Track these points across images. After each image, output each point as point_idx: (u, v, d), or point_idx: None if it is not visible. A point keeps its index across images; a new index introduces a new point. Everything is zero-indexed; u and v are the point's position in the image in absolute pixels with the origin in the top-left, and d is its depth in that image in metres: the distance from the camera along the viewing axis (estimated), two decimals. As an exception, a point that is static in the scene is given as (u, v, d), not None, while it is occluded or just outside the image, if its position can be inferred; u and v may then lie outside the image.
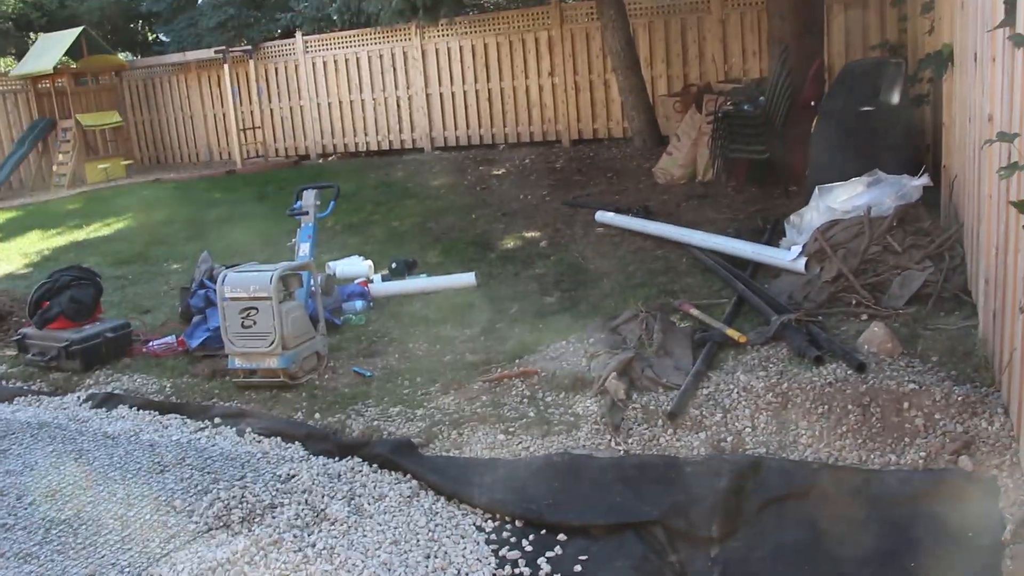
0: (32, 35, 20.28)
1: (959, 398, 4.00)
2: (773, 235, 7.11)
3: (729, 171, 9.37)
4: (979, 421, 3.86)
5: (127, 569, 3.65)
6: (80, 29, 16.61)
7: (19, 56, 20.04)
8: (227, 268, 5.82)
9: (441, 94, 14.84)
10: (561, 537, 3.74)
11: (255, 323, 5.34)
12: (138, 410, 5.36)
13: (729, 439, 4.17)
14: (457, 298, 6.79)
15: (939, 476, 3.65)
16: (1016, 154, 3.51)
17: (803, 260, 5.98)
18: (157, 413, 5.31)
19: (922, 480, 3.65)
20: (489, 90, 14.48)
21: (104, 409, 5.45)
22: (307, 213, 6.09)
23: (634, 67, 12.08)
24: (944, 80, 6.55)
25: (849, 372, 4.39)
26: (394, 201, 10.94)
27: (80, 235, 11.26)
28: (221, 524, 3.96)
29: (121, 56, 19.37)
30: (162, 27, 21.16)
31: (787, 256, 6.17)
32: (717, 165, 9.50)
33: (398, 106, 15.22)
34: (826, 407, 4.20)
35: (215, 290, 5.59)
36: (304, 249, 5.96)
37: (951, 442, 3.80)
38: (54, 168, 16.40)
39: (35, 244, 10.98)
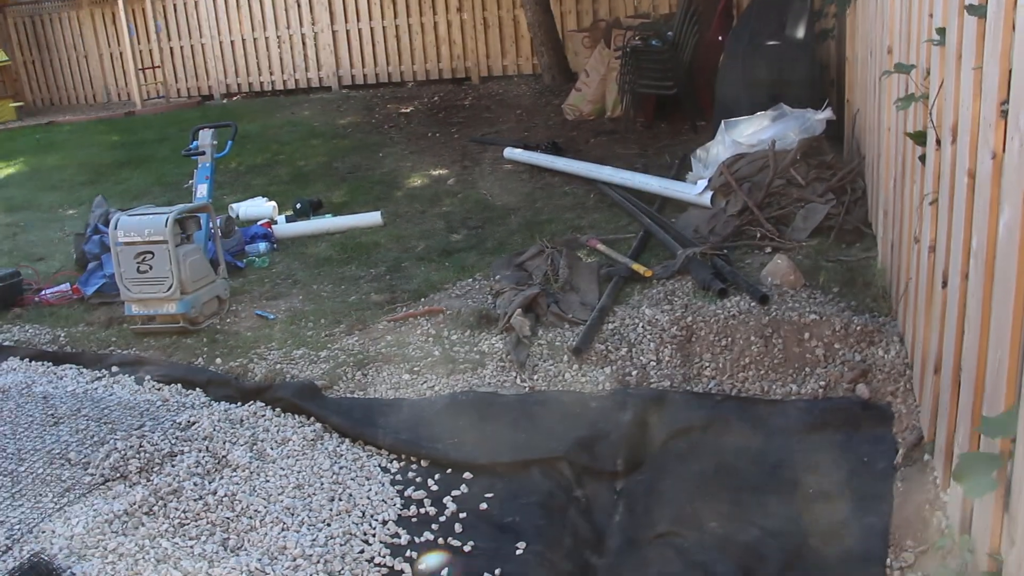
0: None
1: (858, 328, 4.07)
2: (681, 170, 7.13)
3: (638, 107, 9.34)
4: (876, 350, 3.93)
5: (17, 526, 3.50)
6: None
7: None
8: (121, 212, 5.59)
9: (348, 31, 14.45)
10: (467, 475, 3.72)
11: (151, 268, 5.15)
12: (30, 361, 5.13)
13: (634, 373, 4.19)
14: (363, 237, 6.67)
15: (837, 404, 3.73)
16: (913, 86, 3.53)
17: (709, 194, 6.00)
18: (51, 364, 5.09)
19: (821, 409, 3.72)
20: (397, 26, 14.15)
21: (-7, 361, 5.22)
22: (204, 153, 5.88)
23: (543, 2, 11.92)
24: (848, 14, 6.58)
25: (752, 304, 4.43)
26: (300, 141, 10.67)
27: (-34, 181, 10.74)
28: (118, 475, 3.83)
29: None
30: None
31: (693, 190, 6.19)
32: (626, 101, 9.45)
33: (303, 44, 14.78)
34: (730, 339, 4.24)
35: (110, 235, 5.38)
36: (201, 190, 5.76)
37: (849, 371, 3.87)
38: (-68, 110, 15.53)
39: (-84, 190, 10.43)
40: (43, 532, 3.44)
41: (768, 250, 5.22)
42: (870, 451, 3.38)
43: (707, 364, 4.18)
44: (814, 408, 3.74)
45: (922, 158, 3.33)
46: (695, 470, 3.54)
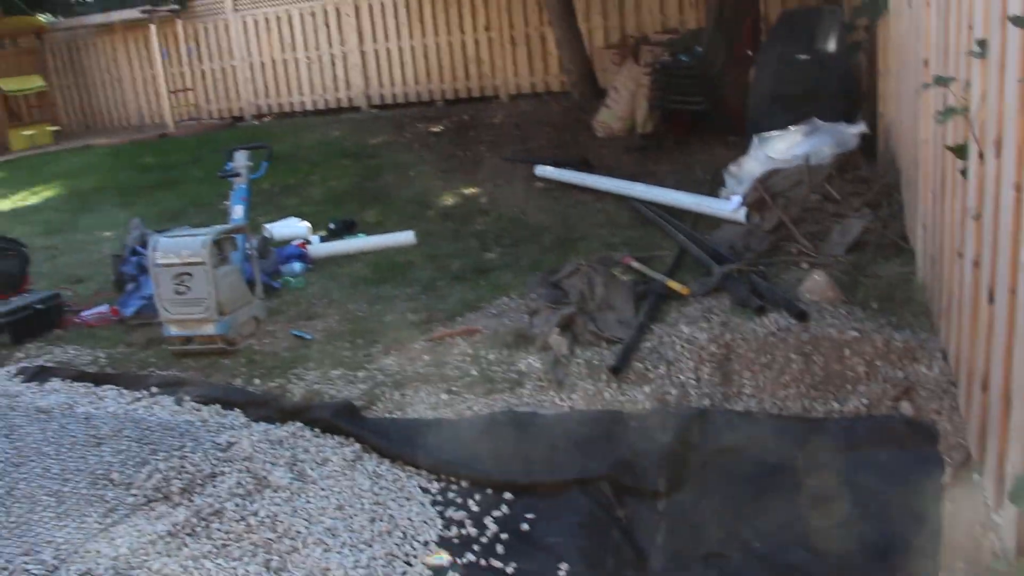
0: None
1: (899, 344, 4.03)
2: (713, 186, 7.11)
3: (668, 123, 9.34)
4: (919, 367, 3.89)
5: (63, 546, 3.53)
6: (-6, -11, 15.96)
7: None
8: (159, 233, 5.65)
9: (376, 51, 14.57)
10: (507, 496, 3.69)
11: (189, 289, 5.20)
12: (72, 382, 5.18)
13: (673, 392, 4.16)
14: (397, 257, 6.70)
15: (881, 422, 3.68)
16: (952, 98, 3.50)
17: (743, 210, 5.98)
18: (92, 385, 5.14)
19: (864, 427, 3.68)
20: (425, 46, 14.25)
21: (36, 383, 5.26)
22: (239, 175, 5.94)
23: (570, 19, 11.95)
24: (879, 27, 6.55)
25: (791, 321, 4.40)
26: (331, 161, 10.75)
27: (5, 205, 10.90)
28: (161, 496, 3.85)
29: (41, 17, 18.61)
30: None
31: (728, 206, 6.17)
32: (656, 117, 9.46)
33: (333, 64, 14.92)
34: (769, 357, 4.21)
35: (148, 256, 5.43)
36: (237, 211, 5.82)
37: (892, 388, 3.82)
38: (-25, 136, 15.80)
39: (-43, 215, 10.60)
40: (88, 552, 3.46)
41: (805, 266, 5.19)
42: (916, 470, 3.33)
43: (747, 382, 4.15)
44: (857, 426, 3.69)
45: (963, 172, 3.30)
46: (737, 489, 3.51)
